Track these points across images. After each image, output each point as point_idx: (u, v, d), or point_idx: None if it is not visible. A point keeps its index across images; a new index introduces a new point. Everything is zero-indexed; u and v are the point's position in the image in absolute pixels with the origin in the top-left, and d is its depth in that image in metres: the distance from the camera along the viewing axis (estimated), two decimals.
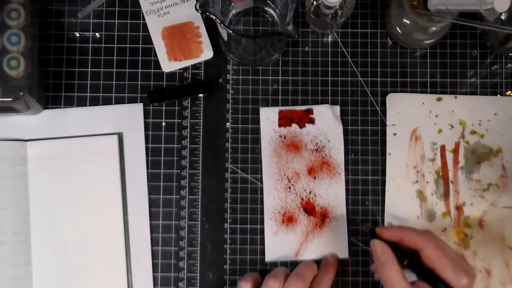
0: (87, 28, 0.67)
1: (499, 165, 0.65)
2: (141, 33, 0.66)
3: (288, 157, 0.64)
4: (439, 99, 0.66)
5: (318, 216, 0.64)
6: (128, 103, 0.65)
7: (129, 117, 0.65)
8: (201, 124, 0.66)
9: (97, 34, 0.66)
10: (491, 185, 0.65)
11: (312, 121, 0.64)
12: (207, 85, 0.66)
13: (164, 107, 0.66)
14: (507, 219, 0.64)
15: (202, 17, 0.67)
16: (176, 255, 0.64)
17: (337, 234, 0.64)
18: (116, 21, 0.67)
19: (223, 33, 0.60)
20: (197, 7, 0.56)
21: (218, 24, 0.56)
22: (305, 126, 0.64)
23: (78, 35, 0.66)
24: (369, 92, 0.66)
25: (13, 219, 0.62)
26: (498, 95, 0.67)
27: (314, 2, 0.63)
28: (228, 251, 0.64)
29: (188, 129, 0.66)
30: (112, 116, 0.65)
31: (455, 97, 0.66)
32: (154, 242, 0.64)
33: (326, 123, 0.64)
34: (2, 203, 0.62)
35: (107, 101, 0.65)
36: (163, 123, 0.65)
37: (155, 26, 0.66)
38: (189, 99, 0.66)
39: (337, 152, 0.64)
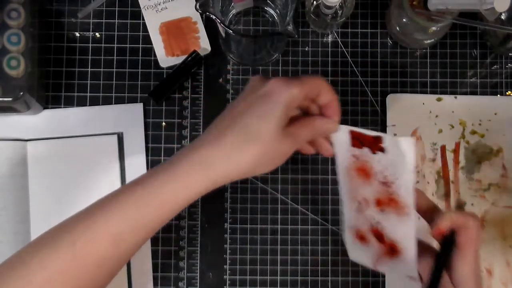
0: (87, 28, 0.67)
1: (499, 165, 0.65)
2: (141, 33, 0.66)
3: (358, 180, 0.54)
4: (439, 99, 0.66)
5: (387, 246, 0.55)
6: (128, 103, 0.65)
7: (129, 117, 0.65)
8: (201, 124, 0.66)
9: (97, 34, 0.66)
10: (491, 185, 0.65)
11: (382, 150, 0.51)
12: (198, 59, 0.64)
13: (164, 107, 0.66)
14: (508, 219, 0.64)
15: (202, 17, 0.67)
16: (176, 255, 0.64)
17: (402, 274, 0.54)
18: (116, 21, 0.67)
19: (223, 33, 0.60)
20: (197, 7, 0.56)
21: (218, 24, 0.56)
22: (376, 152, 0.52)
23: (78, 35, 0.66)
24: (369, 92, 0.66)
25: (13, 218, 0.62)
26: (498, 95, 0.67)
27: (314, 2, 0.63)
28: (228, 251, 0.64)
29: (188, 129, 0.65)
30: (112, 116, 0.65)
31: (455, 97, 0.66)
32: (154, 242, 0.64)
33: (397, 157, 0.50)
34: (2, 203, 0.62)
35: (107, 101, 0.65)
36: (163, 123, 0.65)
37: (153, 22, 0.66)
38: (189, 99, 0.66)
39: (405, 192, 0.51)
